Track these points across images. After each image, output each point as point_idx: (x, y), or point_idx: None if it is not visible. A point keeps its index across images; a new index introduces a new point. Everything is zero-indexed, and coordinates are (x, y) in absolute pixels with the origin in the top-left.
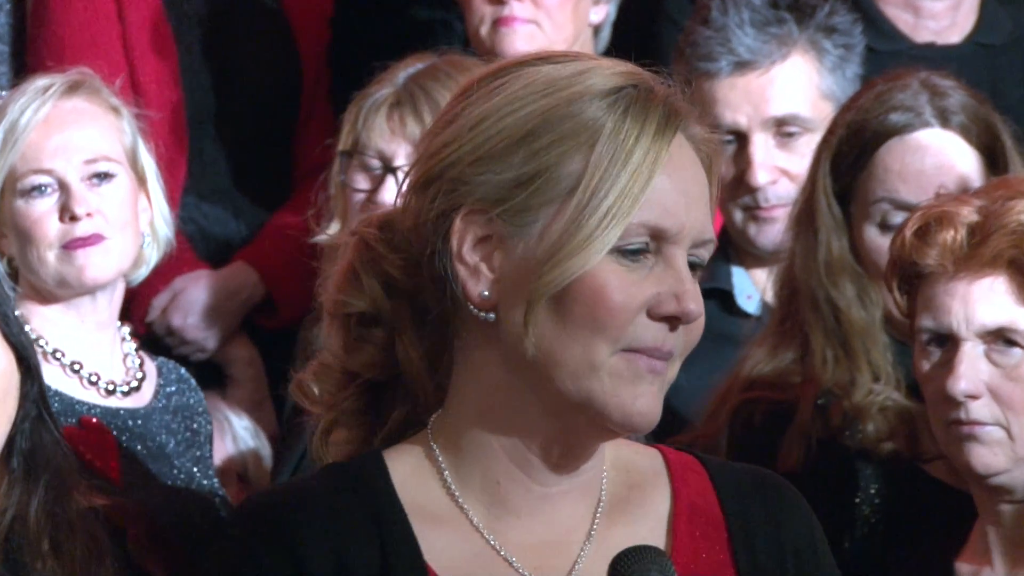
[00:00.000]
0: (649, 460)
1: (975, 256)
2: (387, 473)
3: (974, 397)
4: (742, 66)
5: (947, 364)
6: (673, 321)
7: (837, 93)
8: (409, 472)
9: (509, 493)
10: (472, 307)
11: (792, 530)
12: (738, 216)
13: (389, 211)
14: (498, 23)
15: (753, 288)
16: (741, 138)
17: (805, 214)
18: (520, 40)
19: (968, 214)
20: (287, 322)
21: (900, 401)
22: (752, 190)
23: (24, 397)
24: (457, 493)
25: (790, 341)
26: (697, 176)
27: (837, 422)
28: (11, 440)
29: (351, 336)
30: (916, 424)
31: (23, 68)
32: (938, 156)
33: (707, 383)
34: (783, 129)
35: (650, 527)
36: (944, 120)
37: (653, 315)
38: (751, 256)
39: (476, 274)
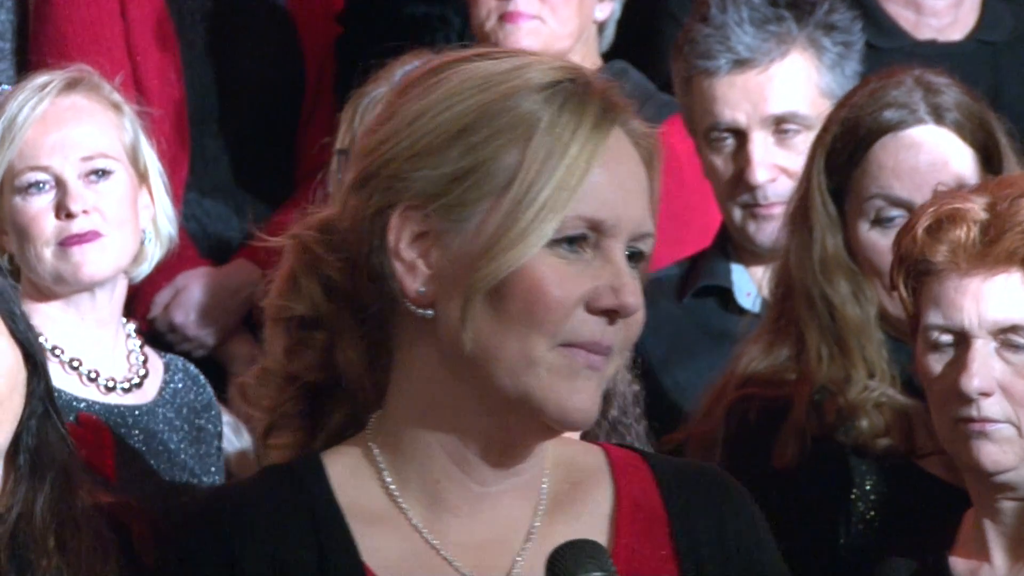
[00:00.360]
0: (592, 458)
1: (988, 254)
2: (325, 474)
3: (987, 394)
4: (741, 64)
5: (958, 362)
6: (611, 315)
7: (836, 91)
8: (347, 473)
9: (448, 492)
10: (409, 304)
11: (735, 526)
12: (737, 214)
13: (328, 213)
14: (504, 18)
15: (753, 286)
16: (740, 136)
17: (800, 211)
18: (525, 35)
19: (978, 211)
20: None
21: (895, 397)
22: (751, 188)
23: (31, 394)
24: (396, 493)
25: (785, 338)
26: (635, 170)
27: (832, 419)
28: (17, 437)
29: (292, 340)
30: (911, 420)
31: (26, 65)
32: (932, 153)
33: (708, 381)
34: (782, 127)
35: (592, 524)
36: (938, 117)
37: (591, 309)
38: (751, 254)
39: (413, 270)
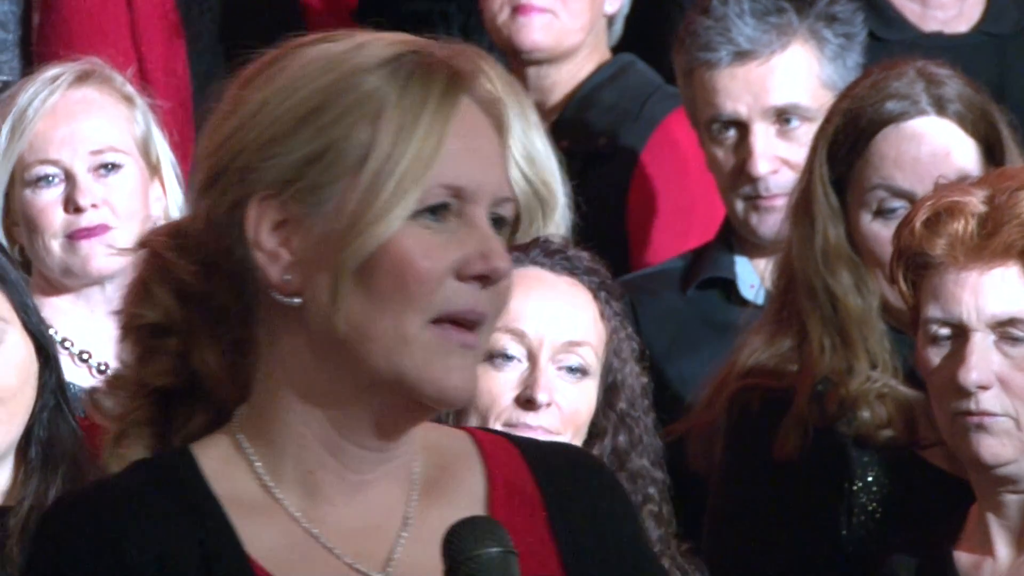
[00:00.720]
0: (459, 442)
1: (986, 247)
2: (197, 466)
3: (984, 388)
4: (742, 56)
5: (956, 355)
6: (484, 280)
7: (838, 82)
8: (219, 465)
9: (323, 482)
10: (276, 294)
11: (608, 508)
12: (739, 206)
13: (179, 219)
14: (516, 12)
15: (756, 278)
16: (742, 128)
17: (802, 203)
18: (537, 29)
19: (977, 204)
20: None
21: (897, 389)
22: (753, 180)
23: (43, 387)
24: (270, 484)
25: (787, 329)
26: (488, 136)
27: (834, 410)
28: (29, 430)
29: (143, 347)
30: (913, 411)
31: (29, 56)
32: (933, 144)
33: (711, 372)
34: (783, 119)
35: (467, 507)
36: (940, 108)
37: (462, 276)
38: (754, 246)
39: (276, 259)
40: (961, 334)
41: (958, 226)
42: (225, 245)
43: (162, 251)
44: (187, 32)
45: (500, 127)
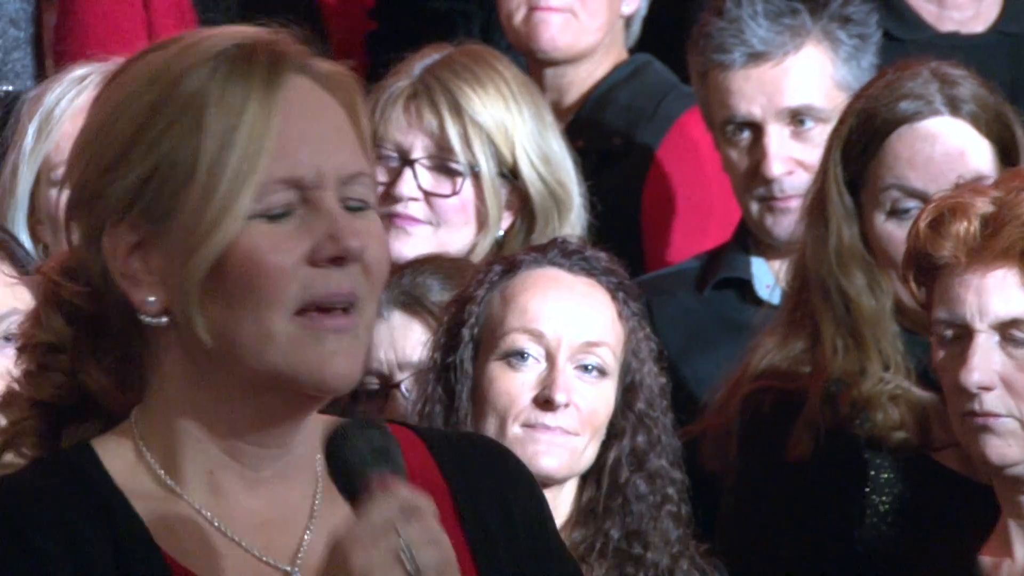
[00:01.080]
0: None
1: (988, 247)
2: (100, 462)
3: (988, 388)
4: (756, 57)
5: (961, 356)
6: (338, 262)
7: (852, 83)
8: (121, 463)
9: (224, 481)
10: (142, 316)
11: (518, 497)
12: (754, 207)
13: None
14: (533, 11)
15: (772, 278)
16: (756, 129)
17: (816, 203)
18: (554, 29)
19: (983, 205)
20: None
21: (910, 390)
22: (767, 181)
23: None
24: (171, 484)
25: (800, 330)
26: (328, 115)
27: (847, 411)
28: None
29: (35, 364)
30: (927, 413)
31: (41, 54)
32: (947, 144)
33: (726, 372)
34: (798, 120)
35: None
36: (954, 108)
37: (315, 262)
38: (769, 246)
39: (137, 283)
40: (965, 335)
41: (961, 227)
42: (97, 270)
43: (53, 276)
44: (272, 23)
45: (347, 102)
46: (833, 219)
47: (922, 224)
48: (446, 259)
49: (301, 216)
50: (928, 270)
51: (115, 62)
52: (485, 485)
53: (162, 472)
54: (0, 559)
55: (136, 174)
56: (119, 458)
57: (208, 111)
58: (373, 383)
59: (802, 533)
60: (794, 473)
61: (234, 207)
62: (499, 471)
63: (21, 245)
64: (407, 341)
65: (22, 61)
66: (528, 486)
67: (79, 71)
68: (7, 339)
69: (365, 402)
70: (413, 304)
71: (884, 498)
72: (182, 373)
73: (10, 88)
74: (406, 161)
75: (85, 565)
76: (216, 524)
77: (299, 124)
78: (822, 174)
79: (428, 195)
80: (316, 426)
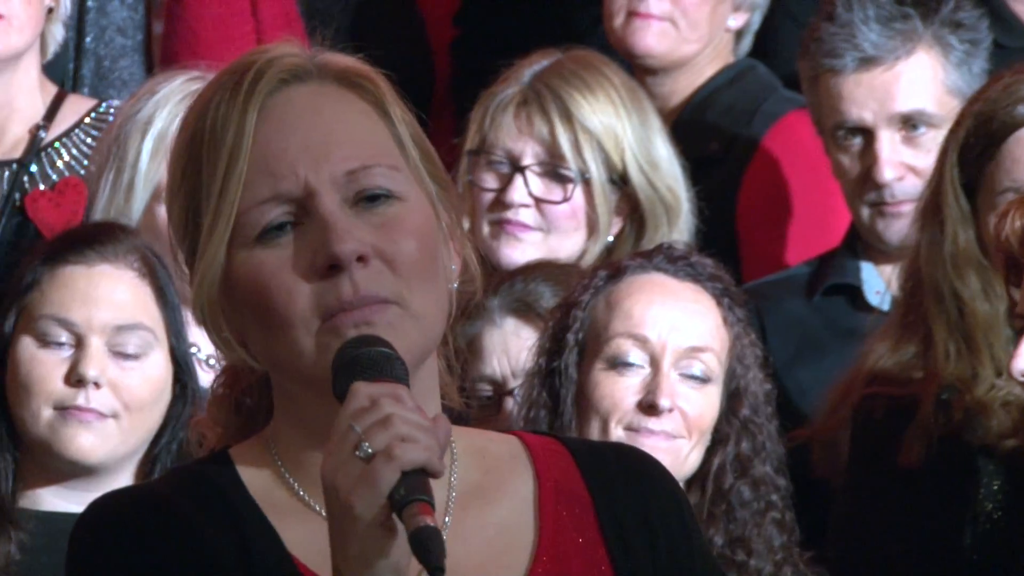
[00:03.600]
0: (506, 446)
1: None
2: (235, 470)
3: None
4: (867, 62)
5: None
6: (336, 270)
7: (963, 89)
8: (256, 473)
9: None
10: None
11: (659, 507)
12: (865, 212)
13: None
14: (633, 16)
15: (882, 284)
16: (867, 134)
17: (932, 206)
18: (652, 36)
19: None
20: None
21: (1023, 396)
22: (879, 186)
23: (175, 418)
24: (301, 492)
25: (913, 335)
26: (327, 116)
27: (959, 417)
28: (155, 457)
29: (229, 375)
30: None
31: (150, 63)
32: None
33: (835, 379)
34: (909, 125)
35: (512, 508)
36: None
37: (318, 275)
38: (880, 252)
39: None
40: None
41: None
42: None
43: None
44: (311, 39)
45: (371, 95)
46: (948, 222)
47: (1011, 224)
48: (557, 265)
49: (304, 229)
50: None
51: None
52: (628, 496)
53: (293, 482)
54: (121, 565)
55: (176, 214)
56: (255, 468)
57: (205, 142)
58: (486, 390)
59: (913, 539)
60: (905, 479)
61: (218, 234)
62: (644, 482)
63: (165, 268)
64: (520, 348)
65: (129, 69)
66: (673, 498)
67: (192, 86)
68: (126, 354)
69: (478, 409)
70: (526, 311)
71: (995, 506)
72: (280, 398)
73: (118, 103)
74: (517, 168)
75: (212, 570)
76: None
77: (285, 137)
78: (938, 177)
79: (539, 201)
80: (459, 435)
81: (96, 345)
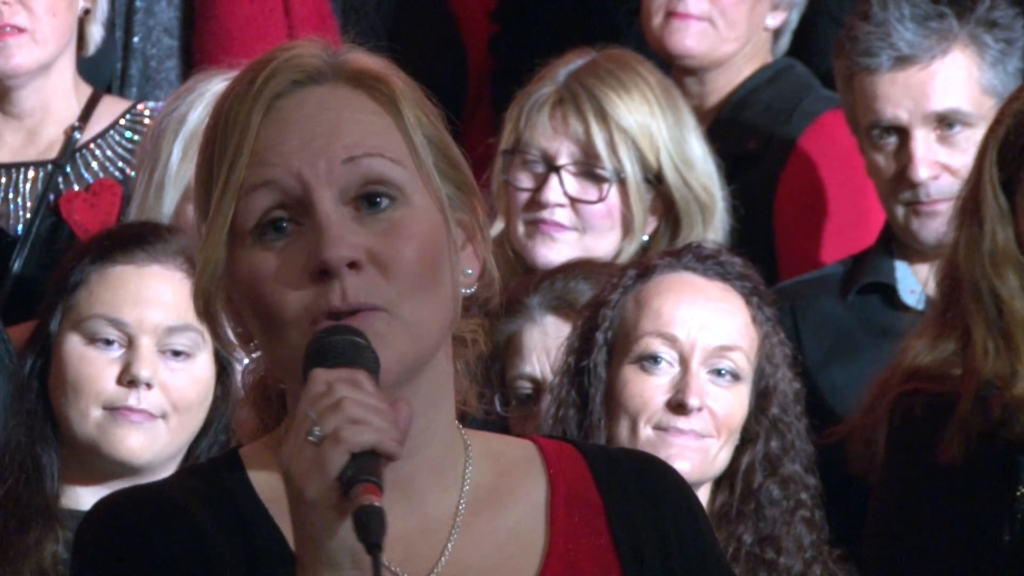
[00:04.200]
0: (521, 450)
1: None
2: (243, 469)
3: None
4: (902, 61)
5: None
6: (325, 276)
7: (998, 88)
8: (266, 475)
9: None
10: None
11: (673, 513)
12: (900, 211)
13: None
14: (671, 17)
15: (917, 283)
16: (902, 133)
17: (970, 204)
18: (691, 36)
19: None
20: None
21: None
22: (913, 185)
23: (217, 419)
24: None
25: (951, 332)
26: (333, 114)
27: (998, 414)
28: (196, 459)
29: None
30: None
31: (191, 63)
32: None
33: (870, 378)
34: (945, 124)
35: (524, 512)
36: None
37: (311, 278)
38: (915, 251)
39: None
40: None
41: None
42: None
43: None
44: (344, 37)
45: (385, 96)
46: (987, 220)
47: None
48: (597, 263)
49: (306, 228)
50: None
51: None
52: (641, 503)
53: None
54: (125, 566)
55: (195, 209)
56: (263, 468)
57: (216, 142)
58: (526, 387)
59: (952, 537)
60: (944, 476)
61: (217, 229)
62: (657, 489)
63: None
64: (560, 345)
65: (175, 70)
66: (686, 504)
67: (220, 86)
68: (176, 354)
69: (517, 406)
70: (566, 308)
71: None
72: (287, 388)
73: (153, 104)
74: (552, 168)
75: (216, 568)
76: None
77: (283, 136)
78: (976, 174)
79: (574, 201)
80: (456, 433)
81: (147, 345)
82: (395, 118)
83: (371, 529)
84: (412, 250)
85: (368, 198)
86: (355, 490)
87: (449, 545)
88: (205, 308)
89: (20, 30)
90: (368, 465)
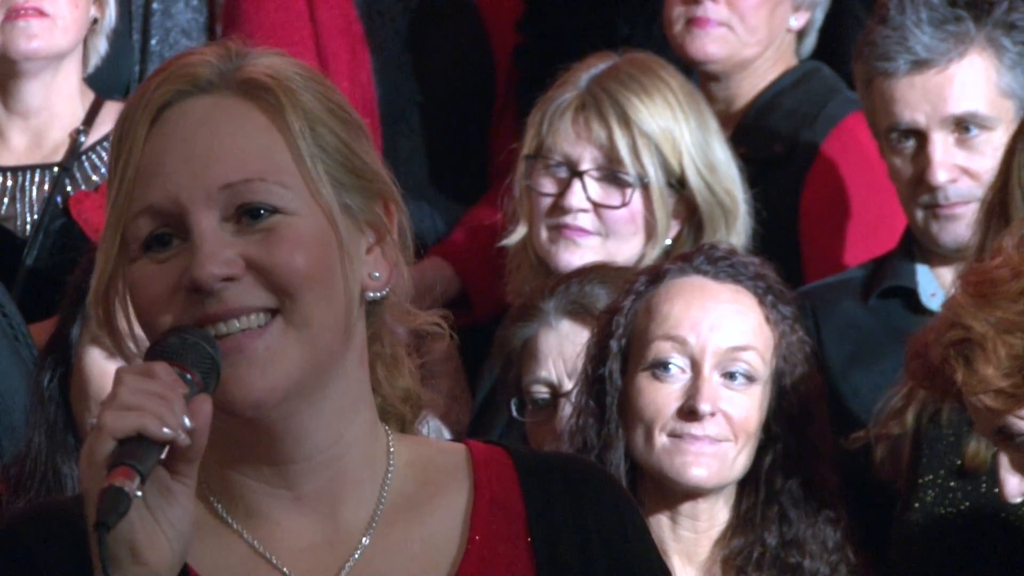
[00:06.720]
0: (451, 457)
1: None
2: None
3: None
4: (920, 64)
5: None
6: (198, 292)
7: (1017, 90)
8: None
9: (260, 502)
10: None
11: (598, 516)
12: (919, 215)
13: None
14: (691, 23)
15: (938, 286)
16: (920, 137)
17: (997, 207)
18: (711, 42)
19: None
20: (481, 318)
21: None
22: (932, 189)
23: None
24: (218, 507)
25: None
26: (215, 130)
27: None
28: None
29: None
30: None
31: None
32: None
33: (892, 382)
34: (962, 127)
35: (443, 521)
36: None
37: (185, 291)
38: (935, 254)
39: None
40: None
41: None
42: None
43: None
44: (370, 42)
45: (271, 106)
46: (1014, 221)
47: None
48: (613, 267)
49: (183, 246)
50: None
51: None
52: (566, 510)
53: (212, 499)
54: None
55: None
56: None
57: (113, 155)
58: (542, 392)
59: (980, 541)
60: (971, 481)
61: (107, 244)
62: (584, 495)
63: None
64: (575, 350)
65: None
66: (615, 511)
67: None
68: None
69: (534, 411)
70: (581, 313)
71: None
72: None
73: None
74: (575, 173)
75: None
76: (258, 549)
77: (164, 153)
78: (1003, 177)
79: (597, 206)
80: (378, 442)
81: None
82: (281, 130)
83: (101, 509)
84: (294, 255)
85: (249, 212)
86: (109, 474)
87: (356, 554)
88: (105, 317)
89: (43, 14)
90: (134, 451)
